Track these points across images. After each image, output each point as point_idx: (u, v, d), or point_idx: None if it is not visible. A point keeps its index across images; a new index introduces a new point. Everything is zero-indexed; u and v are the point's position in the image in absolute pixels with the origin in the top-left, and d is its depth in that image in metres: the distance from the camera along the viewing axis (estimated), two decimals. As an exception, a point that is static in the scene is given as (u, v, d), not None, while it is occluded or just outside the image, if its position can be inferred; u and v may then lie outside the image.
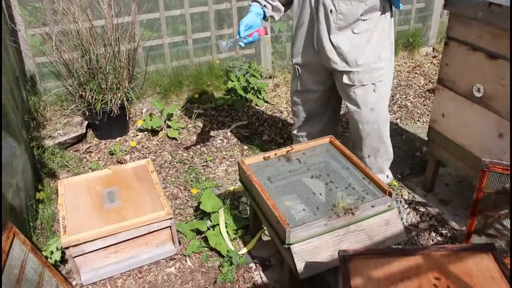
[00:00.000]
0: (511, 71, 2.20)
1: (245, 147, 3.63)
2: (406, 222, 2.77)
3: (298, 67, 2.71)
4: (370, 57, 2.48)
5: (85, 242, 2.28)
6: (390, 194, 2.06)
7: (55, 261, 2.40)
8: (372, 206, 2.02)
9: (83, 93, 3.51)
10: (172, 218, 2.43)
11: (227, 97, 4.25)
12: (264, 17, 2.55)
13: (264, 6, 2.53)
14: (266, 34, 2.43)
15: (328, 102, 2.86)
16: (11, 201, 2.42)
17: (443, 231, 2.67)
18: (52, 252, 2.40)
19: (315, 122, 2.92)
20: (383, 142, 2.79)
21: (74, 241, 2.27)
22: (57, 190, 2.67)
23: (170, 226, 2.45)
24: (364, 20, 2.40)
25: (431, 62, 5.05)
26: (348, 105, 2.68)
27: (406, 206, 2.88)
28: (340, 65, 2.50)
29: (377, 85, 2.56)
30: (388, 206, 2.08)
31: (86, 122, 3.72)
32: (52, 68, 3.57)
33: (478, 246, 1.76)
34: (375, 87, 2.56)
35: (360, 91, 2.56)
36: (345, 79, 2.55)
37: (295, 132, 3.02)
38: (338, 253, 1.65)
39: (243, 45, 2.39)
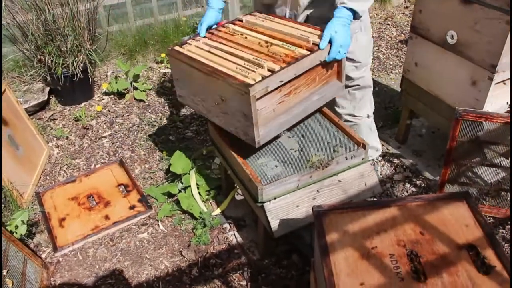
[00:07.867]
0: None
1: (216, 106, 3.51)
2: (381, 174, 2.75)
3: None
4: None
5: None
6: (364, 146, 2.01)
7: (21, 235, 2.27)
8: (346, 159, 1.98)
9: (42, 57, 3.32)
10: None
11: (195, 55, 4.10)
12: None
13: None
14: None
15: None
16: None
17: (417, 182, 2.67)
18: (17, 227, 2.27)
19: None
20: None
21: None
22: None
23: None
24: None
25: (403, 13, 4.95)
26: None
27: (380, 158, 2.85)
28: None
29: None
30: (362, 159, 2.04)
31: (48, 88, 3.52)
32: (6, 31, 3.34)
33: (453, 194, 1.72)
34: None
35: None
36: None
37: None
38: (312, 208, 1.60)
39: None
